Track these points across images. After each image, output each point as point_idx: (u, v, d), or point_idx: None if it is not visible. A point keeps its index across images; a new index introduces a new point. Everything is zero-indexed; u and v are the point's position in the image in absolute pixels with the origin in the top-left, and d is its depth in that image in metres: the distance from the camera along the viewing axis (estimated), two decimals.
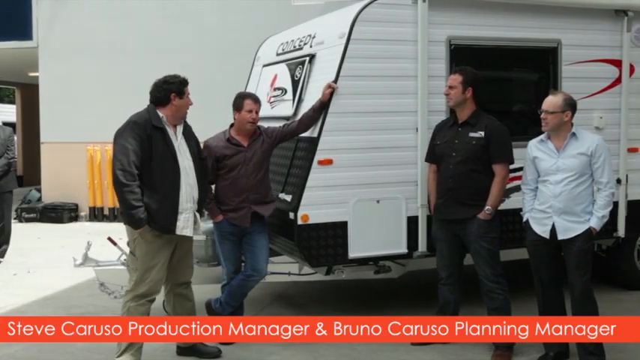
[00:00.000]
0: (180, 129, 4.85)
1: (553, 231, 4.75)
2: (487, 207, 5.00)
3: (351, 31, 5.39)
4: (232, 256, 5.46)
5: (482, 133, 5.03)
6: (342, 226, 5.40)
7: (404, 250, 5.60)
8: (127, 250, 5.99)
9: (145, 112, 4.73)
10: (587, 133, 4.88)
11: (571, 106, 4.75)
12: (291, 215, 5.33)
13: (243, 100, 5.37)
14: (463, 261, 5.32)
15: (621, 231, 6.30)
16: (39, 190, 13.04)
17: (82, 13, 12.41)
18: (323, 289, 6.94)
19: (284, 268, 6.07)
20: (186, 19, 12.19)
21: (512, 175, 5.71)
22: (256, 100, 5.42)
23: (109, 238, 5.86)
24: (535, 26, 5.97)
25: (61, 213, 12.18)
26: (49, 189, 12.63)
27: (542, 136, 4.88)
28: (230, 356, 5.14)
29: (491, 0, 5.78)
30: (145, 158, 4.57)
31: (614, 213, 6.13)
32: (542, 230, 4.80)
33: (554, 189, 4.72)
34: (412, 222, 5.58)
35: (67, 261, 6.06)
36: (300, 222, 5.28)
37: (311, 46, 6.01)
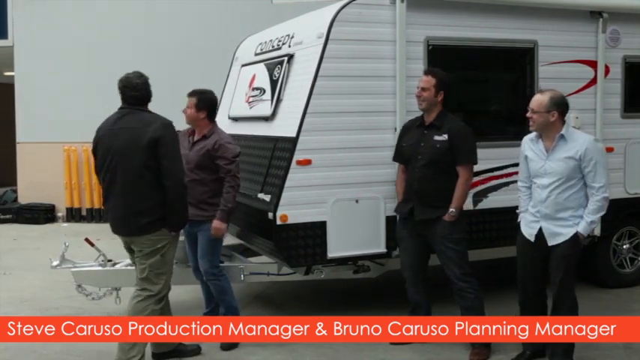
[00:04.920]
0: None
1: (539, 235, 4.66)
2: (451, 209, 5.01)
3: (329, 31, 5.39)
4: (190, 253, 5.60)
5: (445, 136, 5.04)
6: (321, 225, 5.40)
7: (383, 249, 5.61)
8: (105, 251, 5.98)
9: (160, 117, 4.66)
10: (579, 134, 4.69)
11: (558, 105, 4.58)
12: (270, 215, 5.32)
13: None
14: (428, 261, 5.34)
15: (597, 230, 6.36)
16: (15, 191, 12.89)
17: (58, 12, 12.28)
18: (302, 288, 6.94)
19: (263, 269, 6.06)
20: (163, 18, 12.12)
21: (489, 174, 5.78)
22: (188, 95, 5.40)
23: (87, 239, 5.81)
24: (512, 27, 6.01)
25: (37, 214, 12.04)
26: (25, 189, 12.48)
27: (533, 135, 4.75)
28: (209, 356, 5.12)
29: (468, 1, 5.82)
30: None
31: None
32: (528, 233, 4.73)
33: (541, 193, 4.61)
34: (391, 221, 5.59)
35: (44, 262, 6.00)
36: (278, 222, 5.28)
37: (289, 46, 6.01)
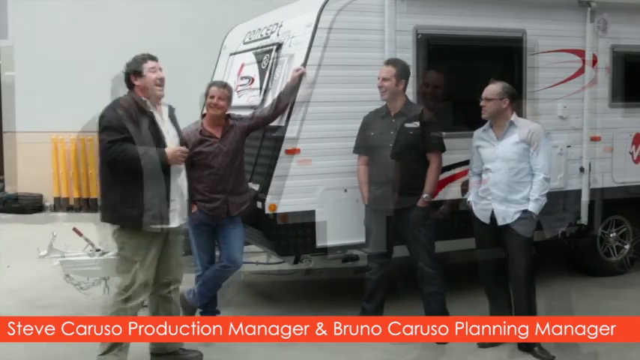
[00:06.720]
0: (165, 110, 4.69)
1: (493, 216, 4.90)
2: (424, 194, 5.10)
3: (317, 19, 5.38)
4: (207, 246, 5.40)
5: (417, 123, 5.09)
6: (310, 215, 5.40)
7: None
8: (93, 241, 5.95)
9: (129, 97, 4.55)
10: (526, 121, 5.02)
11: (509, 94, 4.89)
12: (259, 205, 5.32)
13: (209, 89, 5.33)
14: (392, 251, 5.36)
15: (584, 218, 6.40)
16: (1, 181, 12.82)
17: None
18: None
19: (251, 258, 6.06)
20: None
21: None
22: (221, 86, 5.33)
23: (75, 229, 5.77)
24: (501, 16, 6.01)
25: (25, 203, 11.97)
26: (12, 179, 12.40)
27: (485, 126, 5.01)
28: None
29: None
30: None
31: (577, 201, 6.28)
32: (483, 216, 4.96)
33: (493, 177, 4.87)
34: None
35: (31, 252, 5.95)
36: (267, 211, 5.27)
37: (278, 35, 5.98)
